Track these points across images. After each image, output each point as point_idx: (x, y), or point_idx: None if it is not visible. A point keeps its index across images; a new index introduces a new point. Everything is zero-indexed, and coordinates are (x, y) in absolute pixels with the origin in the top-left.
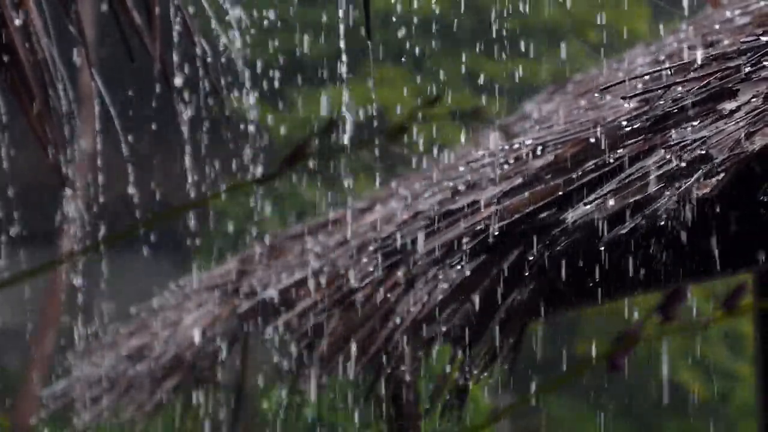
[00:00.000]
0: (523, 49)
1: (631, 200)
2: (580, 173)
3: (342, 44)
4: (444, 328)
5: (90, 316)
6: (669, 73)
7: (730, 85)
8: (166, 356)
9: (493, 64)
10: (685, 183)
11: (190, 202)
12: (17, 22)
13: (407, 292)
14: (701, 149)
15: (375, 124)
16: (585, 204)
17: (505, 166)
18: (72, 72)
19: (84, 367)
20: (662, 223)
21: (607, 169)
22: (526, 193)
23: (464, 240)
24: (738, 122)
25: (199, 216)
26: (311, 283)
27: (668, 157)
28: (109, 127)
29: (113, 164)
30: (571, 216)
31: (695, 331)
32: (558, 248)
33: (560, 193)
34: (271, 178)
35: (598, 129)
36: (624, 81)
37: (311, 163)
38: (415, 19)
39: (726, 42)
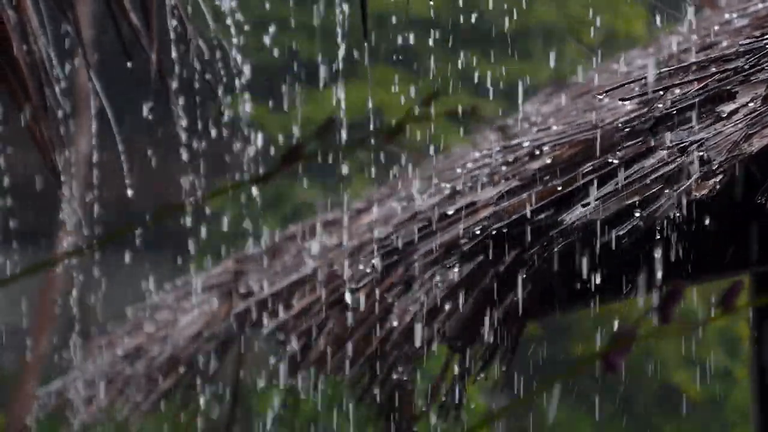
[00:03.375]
0: (520, 51)
1: (630, 202)
2: (577, 175)
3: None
4: (441, 330)
5: (86, 316)
6: (668, 75)
7: (728, 88)
8: (162, 356)
9: (490, 65)
10: (684, 185)
11: (185, 202)
12: (14, 21)
13: (404, 293)
14: (700, 151)
15: (371, 124)
16: (583, 206)
17: (503, 168)
18: (69, 72)
19: (80, 366)
20: (660, 224)
21: (605, 170)
22: (524, 195)
23: (462, 241)
24: (736, 124)
25: (196, 216)
26: (308, 284)
27: (667, 158)
28: (106, 127)
29: (110, 164)
30: (568, 217)
31: (692, 330)
32: (555, 250)
33: (558, 194)
34: (270, 177)
35: (597, 131)
36: (622, 83)
37: (309, 163)
38: (412, 20)
39: (724, 44)
